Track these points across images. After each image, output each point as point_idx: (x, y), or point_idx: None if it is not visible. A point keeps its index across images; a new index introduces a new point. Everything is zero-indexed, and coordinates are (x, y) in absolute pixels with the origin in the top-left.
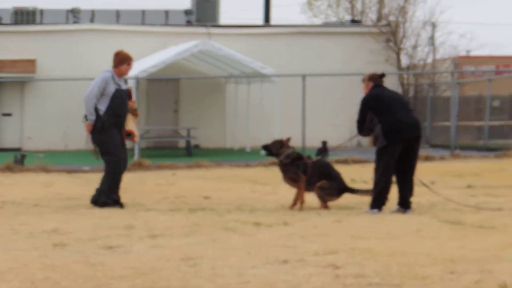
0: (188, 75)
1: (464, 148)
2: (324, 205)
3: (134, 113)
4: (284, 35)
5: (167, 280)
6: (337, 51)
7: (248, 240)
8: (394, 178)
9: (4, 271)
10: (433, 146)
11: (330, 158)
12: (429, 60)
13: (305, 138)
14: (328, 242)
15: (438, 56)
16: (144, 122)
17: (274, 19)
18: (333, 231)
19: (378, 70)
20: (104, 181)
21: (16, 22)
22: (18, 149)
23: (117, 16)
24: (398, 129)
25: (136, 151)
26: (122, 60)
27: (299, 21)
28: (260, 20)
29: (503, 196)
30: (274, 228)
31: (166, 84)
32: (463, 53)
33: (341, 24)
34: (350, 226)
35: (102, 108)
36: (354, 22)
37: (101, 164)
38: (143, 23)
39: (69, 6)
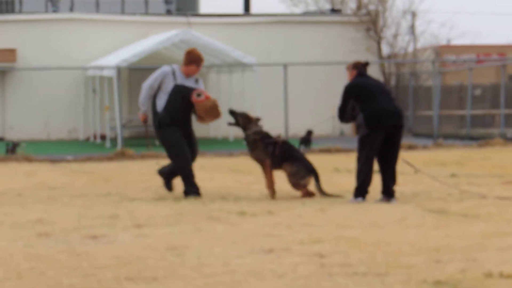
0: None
1: (446, 137)
2: (305, 192)
3: (215, 113)
4: (265, 24)
5: (152, 270)
6: (317, 40)
7: (233, 229)
8: (377, 167)
9: None
10: (416, 135)
11: (313, 147)
12: (410, 49)
13: (288, 127)
14: (313, 231)
15: (419, 45)
16: (127, 111)
17: (254, 8)
18: (318, 220)
19: (359, 59)
20: (180, 175)
21: None
22: (0, 139)
23: (97, 5)
24: (380, 117)
25: (119, 141)
26: (191, 61)
27: (279, 10)
28: (240, 9)
29: (486, 185)
30: (258, 217)
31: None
32: (443, 42)
33: (321, 13)
34: (335, 215)
35: (161, 104)
36: (334, 11)
37: (85, 153)
38: (122, 12)
39: None
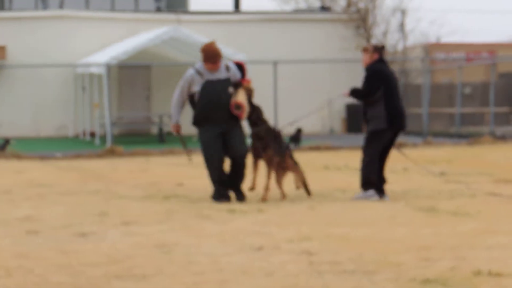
0: (159, 62)
1: (436, 135)
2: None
3: (248, 92)
4: (255, 21)
5: (141, 267)
6: (307, 38)
7: (222, 227)
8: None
9: None
10: (406, 133)
11: (303, 144)
12: (400, 47)
13: (277, 124)
14: (302, 229)
15: (408, 43)
16: (116, 109)
17: (244, 5)
18: (307, 218)
19: (348, 57)
20: (209, 178)
21: None
22: None
23: (87, 2)
24: (400, 116)
25: (109, 138)
26: (205, 58)
27: (269, 8)
28: (230, 7)
29: (476, 183)
30: (248, 215)
31: (138, 71)
32: (433, 40)
33: (311, 11)
34: (324, 213)
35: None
36: (324, 9)
37: (74, 150)
38: (112, 9)
39: None
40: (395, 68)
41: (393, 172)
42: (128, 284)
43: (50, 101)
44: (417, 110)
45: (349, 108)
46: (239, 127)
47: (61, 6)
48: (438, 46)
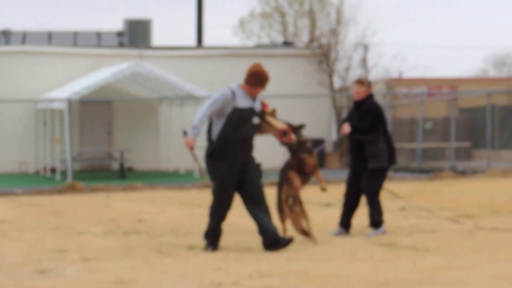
0: (121, 97)
1: (397, 170)
2: None
3: (274, 115)
4: (217, 57)
5: None
6: (270, 73)
7: (182, 263)
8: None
9: None
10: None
11: (265, 180)
12: None
13: None
14: (262, 265)
15: (370, 78)
16: (77, 144)
17: (207, 41)
18: (267, 254)
19: (311, 92)
20: (209, 217)
21: None
22: None
23: (49, 37)
24: (395, 153)
25: (69, 174)
26: (258, 82)
27: (232, 43)
28: (193, 42)
29: (436, 219)
30: (208, 251)
31: (99, 106)
32: (395, 75)
33: (273, 46)
34: (284, 249)
35: (216, 130)
36: (286, 44)
37: (34, 186)
38: (75, 44)
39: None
40: None
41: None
42: None
43: (11, 137)
44: None
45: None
46: (253, 162)
47: (23, 41)
48: (400, 81)
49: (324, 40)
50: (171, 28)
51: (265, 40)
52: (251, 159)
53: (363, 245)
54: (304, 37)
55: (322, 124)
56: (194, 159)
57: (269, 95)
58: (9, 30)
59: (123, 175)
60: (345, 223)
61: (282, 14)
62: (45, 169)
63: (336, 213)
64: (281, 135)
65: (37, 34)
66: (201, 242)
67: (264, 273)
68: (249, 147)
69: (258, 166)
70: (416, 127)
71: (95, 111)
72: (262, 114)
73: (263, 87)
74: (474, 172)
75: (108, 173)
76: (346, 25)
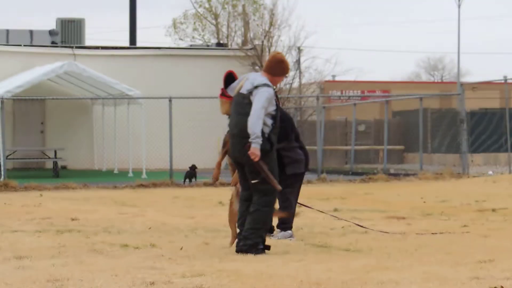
0: (54, 96)
1: (330, 172)
2: None
3: None
4: (150, 57)
5: None
6: (203, 74)
7: (115, 261)
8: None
9: None
10: None
11: (199, 180)
12: (295, 84)
13: (172, 159)
14: (195, 264)
15: (304, 81)
16: (10, 142)
17: (140, 41)
18: (201, 253)
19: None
20: (259, 217)
21: None
22: None
23: None
24: (307, 160)
25: (3, 172)
26: (283, 71)
27: (165, 44)
28: (126, 42)
29: (368, 220)
30: (141, 250)
31: (32, 105)
32: (328, 78)
33: (207, 47)
34: (217, 249)
35: (267, 127)
36: (219, 45)
37: None
38: (7, 43)
39: None
40: (290, 105)
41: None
42: None
43: None
44: (312, 147)
45: None
46: None
47: None
48: (333, 84)
49: (257, 42)
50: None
51: (198, 41)
52: None
53: (295, 246)
54: (238, 39)
55: None
56: (262, 170)
57: (201, 96)
58: None
59: (57, 174)
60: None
61: (216, 16)
62: None
63: None
64: None
65: None
66: (133, 240)
67: (197, 272)
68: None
69: (193, 167)
70: (349, 129)
71: (28, 109)
72: None
73: (286, 76)
74: (406, 174)
75: (42, 171)
76: (279, 28)
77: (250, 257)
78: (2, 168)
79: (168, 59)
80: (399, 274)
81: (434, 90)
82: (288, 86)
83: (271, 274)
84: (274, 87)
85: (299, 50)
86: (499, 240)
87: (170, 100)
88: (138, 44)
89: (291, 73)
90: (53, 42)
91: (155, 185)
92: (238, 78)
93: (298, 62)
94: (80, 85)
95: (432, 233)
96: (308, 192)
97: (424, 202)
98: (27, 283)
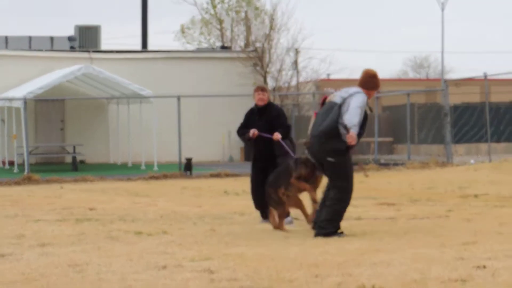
0: (72, 96)
1: None
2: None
3: None
4: (161, 59)
5: (55, 285)
6: (209, 75)
7: (130, 247)
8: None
9: None
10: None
11: (205, 172)
12: (293, 82)
13: (181, 154)
14: (203, 249)
15: (301, 79)
16: (33, 139)
17: (151, 45)
18: (208, 239)
19: (246, 92)
20: (334, 210)
21: None
22: None
23: (6, 42)
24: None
25: (26, 166)
26: (375, 85)
27: (174, 47)
28: (138, 46)
29: (362, 207)
30: (153, 237)
31: (53, 105)
32: (323, 76)
33: (212, 50)
34: (223, 234)
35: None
36: (224, 48)
37: None
38: (30, 48)
39: None
40: (289, 102)
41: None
42: None
43: None
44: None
45: None
46: None
47: None
48: (328, 82)
49: (258, 45)
50: (119, 33)
51: (205, 44)
52: None
53: (295, 230)
54: (240, 42)
55: None
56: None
57: (208, 94)
58: None
59: (76, 167)
60: (266, 214)
61: (220, 21)
62: (3, 162)
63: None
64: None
65: None
66: (147, 228)
67: (205, 256)
68: None
69: (189, 159)
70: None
71: (49, 109)
72: None
73: (378, 91)
74: (395, 164)
75: (62, 166)
76: (279, 31)
77: (253, 242)
78: (26, 163)
79: (176, 61)
80: (390, 255)
81: (420, 87)
82: (286, 84)
83: (273, 257)
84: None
85: (297, 51)
86: (481, 223)
87: (178, 99)
88: (149, 48)
89: (289, 72)
90: (71, 47)
91: (165, 177)
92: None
93: (295, 62)
94: (97, 86)
95: (420, 218)
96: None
97: (412, 189)
98: (50, 268)
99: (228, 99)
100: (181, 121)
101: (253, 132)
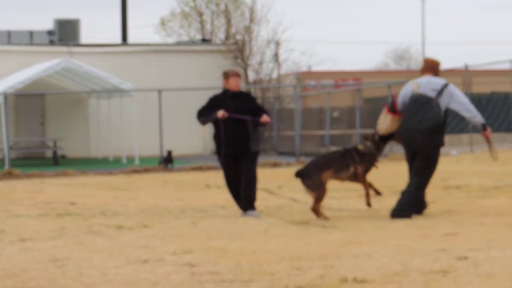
0: (52, 91)
1: (308, 155)
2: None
3: None
4: (141, 53)
5: (35, 280)
6: (189, 68)
7: (111, 242)
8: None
9: None
10: (280, 153)
11: (187, 165)
12: (274, 75)
13: (162, 147)
14: (185, 243)
15: (282, 72)
16: (13, 134)
17: (131, 38)
18: (189, 232)
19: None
20: (416, 195)
21: None
22: None
23: None
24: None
25: (7, 161)
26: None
27: (154, 41)
28: (118, 40)
29: (343, 198)
30: (135, 231)
31: (33, 99)
32: (304, 69)
33: (192, 43)
34: (205, 228)
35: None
36: (204, 41)
37: None
38: (9, 42)
39: None
40: (270, 94)
41: (267, 189)
42: None
43: None
44: (290, 133)
45: None
46: None
47: None
48: (309, 74)
49: (239, 37)
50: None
51: (185, 37)
52: None
53: (276, 223)
54: (221, 35)
55: None
56: (490, 143)
57: (188, 88)
58: None
59: (56, 162)
60: (244, 208)
61: (200, 14)
62: None
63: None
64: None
65: None
66: (128, 222)
67: (186, 249)
68: None
69: (169, 152)
70: (324, 115)
71: (29, 103)
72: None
73: (435, 73)
74: None
75: (42, 160)
76: (259, 24)
77: (235, 235)
78: (6, 158)
79: (157, 54)
80: (372, 247)
81: (402, 78)
82: (267, 77)
83: (255, 250)
84: None
85: (277, 43)
86: (463, 214)
87: (159, 92)
88: (129, 41)
89: (270, 65)
90: (51, 41)
91: (147, 171)
92: (406, 84)
93: (276, 54)
94: (77, 80)
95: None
96: (288, 174)
97: (394, 181)
98: (30, 263)
99: (209, 92)
100: (162, 114)
101: (222, 113)
